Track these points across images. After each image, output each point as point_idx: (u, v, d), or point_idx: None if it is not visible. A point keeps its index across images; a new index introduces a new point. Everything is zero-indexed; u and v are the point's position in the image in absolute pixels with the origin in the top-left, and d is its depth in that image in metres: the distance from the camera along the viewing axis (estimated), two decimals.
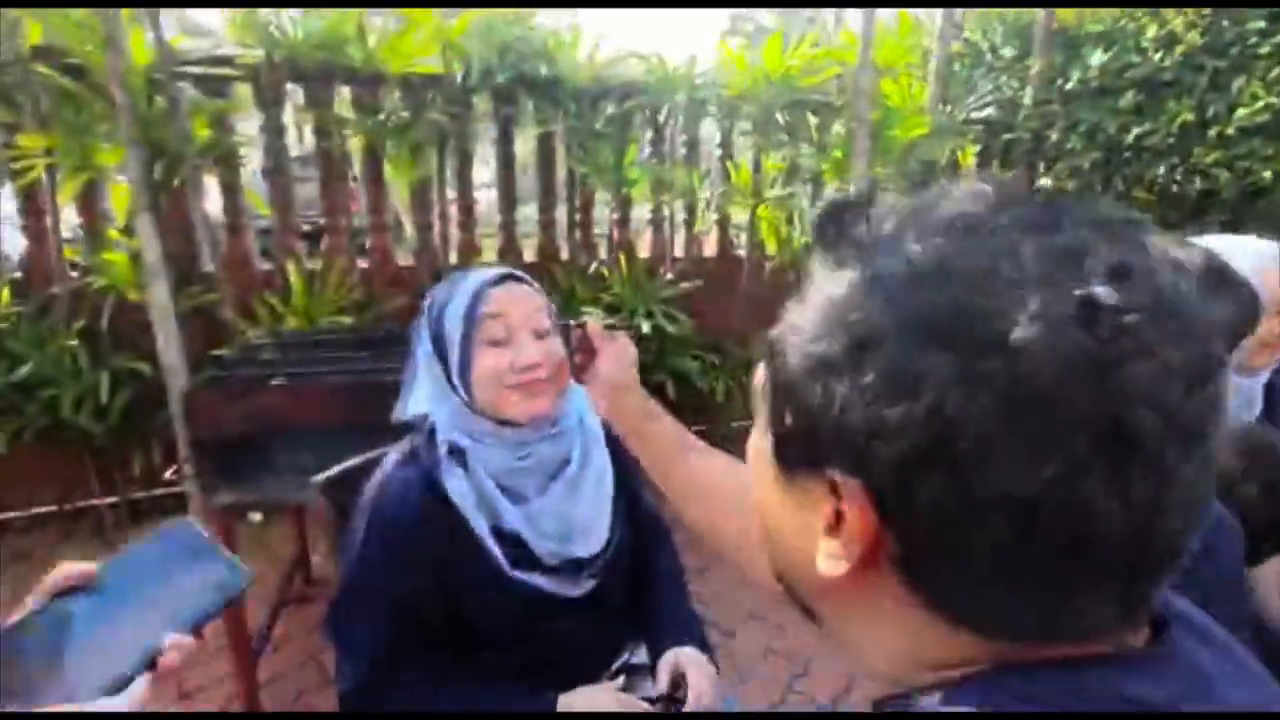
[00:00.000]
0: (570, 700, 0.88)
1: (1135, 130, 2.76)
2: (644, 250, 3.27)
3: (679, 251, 3.28)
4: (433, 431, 0.90)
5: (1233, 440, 0.99)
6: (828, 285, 0.34)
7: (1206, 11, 2.55)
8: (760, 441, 0.41)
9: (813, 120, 3.21)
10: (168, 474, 1.57)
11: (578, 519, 0.94)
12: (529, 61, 2.65)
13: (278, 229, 2.65)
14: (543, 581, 0.89)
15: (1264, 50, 2.39)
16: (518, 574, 0.87)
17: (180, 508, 2.56)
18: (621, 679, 0.92)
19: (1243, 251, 1.12)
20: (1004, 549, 0.30)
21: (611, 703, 0.88)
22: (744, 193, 3.11)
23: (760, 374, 0.42)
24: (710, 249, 3.39)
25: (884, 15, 3.03)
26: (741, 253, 3.30)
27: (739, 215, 3.26)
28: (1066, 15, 3.12)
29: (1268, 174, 2.52)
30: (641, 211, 3.28)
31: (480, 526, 0.86)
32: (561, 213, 3.09)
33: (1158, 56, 2.66)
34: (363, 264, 2.82)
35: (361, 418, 1.67)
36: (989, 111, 3.24)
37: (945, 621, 0.34)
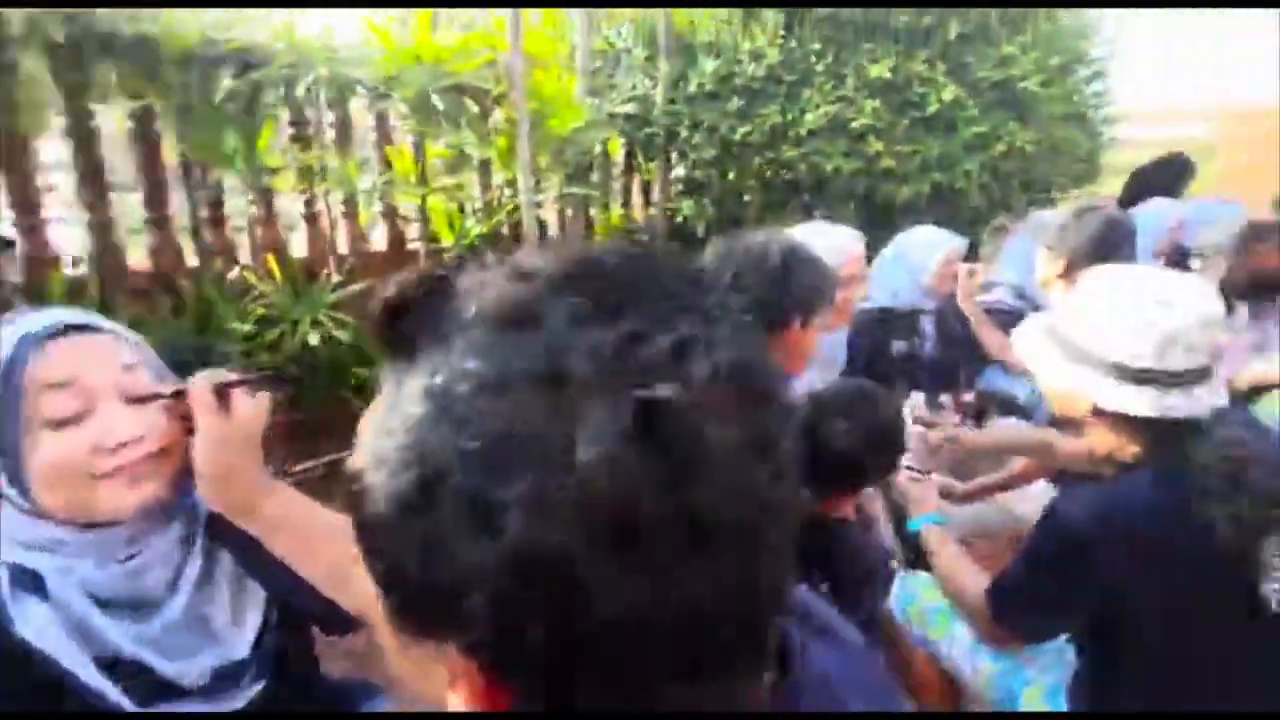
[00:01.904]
0: None
1: (740, 130, 3.31)
2: (298, 250, 2.85)
3: (343, 249, 2.94)
4: None
5: (835, 390, 1.20)
6: (400, 398, 0.29)
7: (783, 31, 3.17)
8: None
9: (472, 107, 3.13)
10: None
11: (224, 615, 0.69)
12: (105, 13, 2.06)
13: None
14: (193, 707, 0.66)
15: (820, 68, 3.05)
16: (155, 709, 0.63)
17: None
18: None
19: (820, 237, 1.42)
20: (616, 667, 0.27)
21: None
22: (409, 182, 2.90)
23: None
24: (380, 243, 3.11)
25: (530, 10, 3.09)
26: (415, 246, 3.10)
27: (406, 206, 3.05)
28: (683, 22, 3.57)
29: (829, 167, 3.26)
30: (289, 205, 2.84)
31: (80, 666, 0.60)
32: (180, 209, 2.50)
33: (750, 69, 3.22)
34: None
35: None
36: (630, 107, 3.57)
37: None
